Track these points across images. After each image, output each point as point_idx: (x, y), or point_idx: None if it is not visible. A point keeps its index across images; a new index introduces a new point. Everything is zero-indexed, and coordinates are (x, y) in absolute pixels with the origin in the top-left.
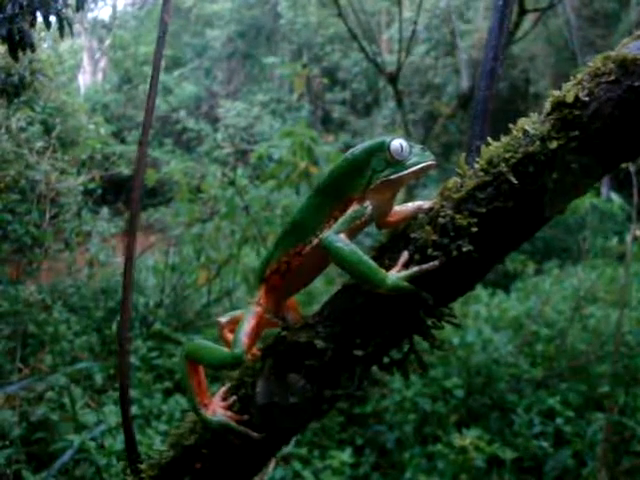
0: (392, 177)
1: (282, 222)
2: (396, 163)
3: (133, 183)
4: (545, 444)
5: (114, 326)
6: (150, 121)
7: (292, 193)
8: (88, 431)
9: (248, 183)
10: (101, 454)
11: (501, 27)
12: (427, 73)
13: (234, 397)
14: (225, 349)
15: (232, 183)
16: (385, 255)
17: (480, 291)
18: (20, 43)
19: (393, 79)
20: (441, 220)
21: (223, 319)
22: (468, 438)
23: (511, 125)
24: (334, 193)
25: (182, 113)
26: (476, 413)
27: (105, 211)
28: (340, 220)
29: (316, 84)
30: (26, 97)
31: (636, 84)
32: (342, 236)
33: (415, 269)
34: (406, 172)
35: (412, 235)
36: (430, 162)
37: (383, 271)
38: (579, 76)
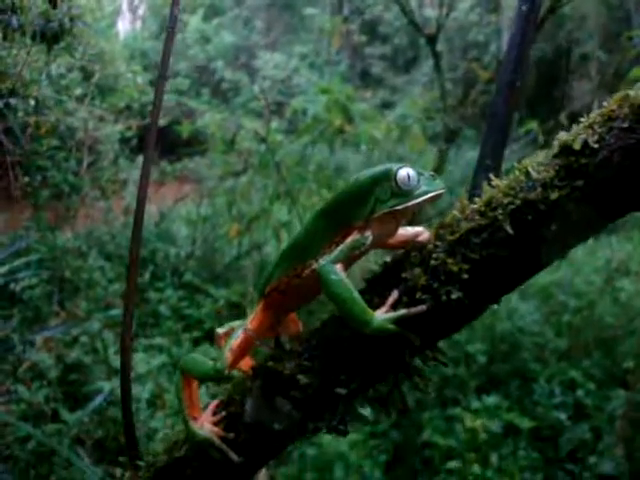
0: (397, 208)
1: (315, 178)
2: (402, 193)
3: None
4: (564, 416)
5: (146, 275)
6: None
7: (326, 149)
8: (119, 376)
9: (283, 138)
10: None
11: (524, 35)
12: (471, 30)
13: (223, 413)
14: (212, 362)
15: (264, 140)
16: (375, 290)
17: None
18: None
19: (432, 40)
20: (433, 262)
21: (221, 330)
22: (478, 419)
23: (515, 164)
24: (337, 219)
25: (219, 63)
26: (497, 380)
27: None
28: (339, 249)
29: (355, 38)
30: (65, 43)
31: None
32: (338, 267)
33: (402, 312)
34: (412, 203)
35: (403, 275)
36: (439, 191)
37: (370, 312)
38: (592, 116)
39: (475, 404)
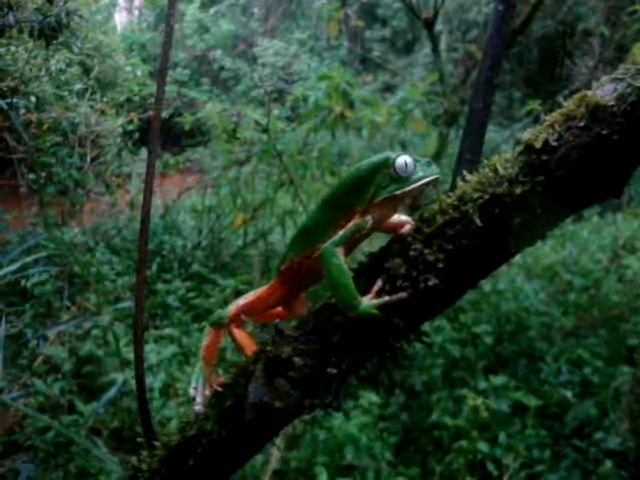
0: (396, 193)
1: (317, 165)
2: (400, 179)
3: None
4: (570, 393)
5: (153, 267)
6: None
7: (328, 135)
8: (131, 367)
9: (284, 126)
10: None
11: (499, 34)
12: (470, 10)
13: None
14: (221, 310)
15: (265, 131)
16: (363, 277)
17: None
18: None
19: (430, 25)
20: (412, 253)
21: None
22: (480, 399)
23: (485, 160)
24: (341, 204)
25: (218, 52)
26: (504, 360)
27: (144, 152)
28: (341, 233)
29: (354, 22)
30: (63, 38)
31: (604, 132)
32: (339, 250)
33: (386, 299)
34: (409, 188)
35: (385, 265)
36: (434, 176)
37: (358, 298)
38: (554, 115)
39: (483, 384)
